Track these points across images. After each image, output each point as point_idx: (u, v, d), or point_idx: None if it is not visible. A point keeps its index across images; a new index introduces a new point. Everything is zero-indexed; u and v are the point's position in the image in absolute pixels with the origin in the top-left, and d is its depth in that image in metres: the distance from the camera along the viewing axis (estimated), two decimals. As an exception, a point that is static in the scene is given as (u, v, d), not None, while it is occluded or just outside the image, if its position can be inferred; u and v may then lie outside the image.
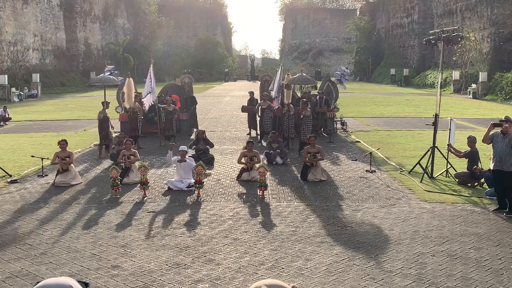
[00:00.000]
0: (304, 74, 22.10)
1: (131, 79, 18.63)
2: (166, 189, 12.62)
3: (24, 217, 10.43)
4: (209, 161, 15.60)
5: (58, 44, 60.84)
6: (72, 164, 13.49)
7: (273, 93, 19.93)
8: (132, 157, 13.64)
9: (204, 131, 16.75)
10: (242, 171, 13.64)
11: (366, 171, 14.57)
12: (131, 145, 13.94)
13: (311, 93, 22.16)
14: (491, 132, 10.88)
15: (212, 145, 16.44)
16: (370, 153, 15.36)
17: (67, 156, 13.41)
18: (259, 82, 26.34)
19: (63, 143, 13.58)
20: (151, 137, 20.08)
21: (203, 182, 12.17)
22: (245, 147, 14.29)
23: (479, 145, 12.96)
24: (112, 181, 11.92)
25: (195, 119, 22.63)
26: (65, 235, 9.31)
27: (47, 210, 10.90)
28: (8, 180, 13.64)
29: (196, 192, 12.11)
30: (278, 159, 15.74)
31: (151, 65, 19.11)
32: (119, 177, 12.14)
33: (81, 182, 13.42)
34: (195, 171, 12.22)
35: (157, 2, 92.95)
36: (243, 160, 13.69)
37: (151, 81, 18.36)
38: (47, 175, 14.24)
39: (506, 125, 10.62)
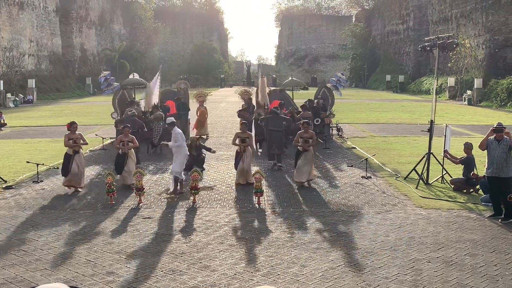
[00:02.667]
0: (295, 78, 23.20)
1: (150, 84, 20.13)
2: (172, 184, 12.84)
3: (19, 223, 10.39)
4: (201, 162, 15.58)
5: (54, 50, 60.78)
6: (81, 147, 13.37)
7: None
8: (130, 143, 13.50)
9: (199, 137, 16.64)
10: (237, 157, 13.76)
11: (362, 177, 14.57)
12: (128, 131, 13.68)
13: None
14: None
15: (209, 150, 16.03)
16: (366, 159, 15.37)
17: (78, 138, 13.20)
18: (255, 88, 26.35)
19: (75, 126, 13.27)
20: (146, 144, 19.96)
21: (198, 188, 12.15)
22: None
23: (475, 151, 12.99)
24: (107, 187, 11.89)
25: (184, 126, 22.34)
26: (60, 241, 9.27)
27: (42, 216, 10.86)
28: (3, 186, 13.58)
29: (191, 198, 12.09)
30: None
31: (159, 71, 21.05)
32: (114, 183, 12.08)
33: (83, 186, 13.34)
34: (190, 176, 12.20)
35: (153, 8, 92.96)
36: (237, 141, 13.96)
37: (157, 84, 20.22)
38: (42, 180, 14.19)
39: (507, 131, 10.66)
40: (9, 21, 49.84)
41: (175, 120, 13.77)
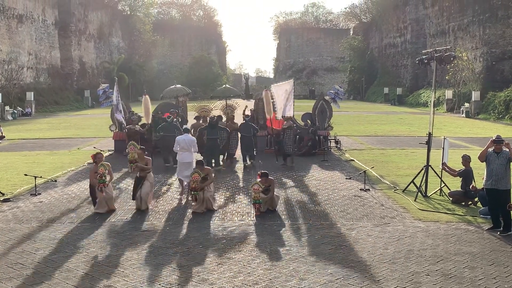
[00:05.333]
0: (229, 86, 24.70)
1: (147, 96, 19.75)
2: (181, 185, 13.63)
3: (17, 236, 10.34)
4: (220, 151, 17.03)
5: (52, 63, 60.95)
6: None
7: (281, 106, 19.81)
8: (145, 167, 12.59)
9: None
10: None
11: (360, 189, 14.56)
12: (143, 154, 12.75)
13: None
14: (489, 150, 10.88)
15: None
16: (364, 171, 15.36)
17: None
18: (254, 101, 26.39)
19: (99, 156, 12.30)
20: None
21: (198, 190, 12.06)
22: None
23: (474, 163, 13.00)
24: (99, 178, 11.76)
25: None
26: (58, 254, 9.23)
27: (39, 229, 10.81)
28: (1, 199, 13.55)
29: (191, 199, 12.16)
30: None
31: (115, 83, 20.01)
32: (105, 174, 11.84)
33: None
34: (191, 177, 12.17)
35: (152, 21, 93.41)
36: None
37: (118, 98, 19.82)
38: (40, 193, 14.15)
39: (507, 142, 10.66)
40: (8, 34, 50.02)
41: (188, 128, 14.61)
